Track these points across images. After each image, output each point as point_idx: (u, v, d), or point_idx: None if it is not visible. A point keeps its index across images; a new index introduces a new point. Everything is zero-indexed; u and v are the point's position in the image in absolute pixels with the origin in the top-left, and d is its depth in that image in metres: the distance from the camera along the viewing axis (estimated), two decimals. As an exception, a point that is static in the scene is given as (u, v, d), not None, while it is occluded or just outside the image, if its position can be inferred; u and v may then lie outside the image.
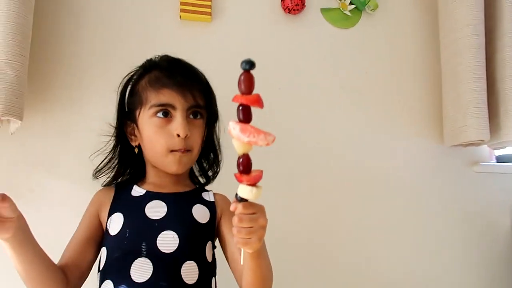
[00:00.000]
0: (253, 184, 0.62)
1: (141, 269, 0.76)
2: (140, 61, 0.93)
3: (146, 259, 0.77)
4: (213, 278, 0.85)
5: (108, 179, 0.92)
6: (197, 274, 0.79)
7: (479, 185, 1.45)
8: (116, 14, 1.20)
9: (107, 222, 0.84)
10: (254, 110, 0.60)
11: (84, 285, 0.82)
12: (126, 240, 0.80)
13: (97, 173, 0.93)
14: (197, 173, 0.99)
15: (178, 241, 0.80)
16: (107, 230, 0.83)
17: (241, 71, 0.58)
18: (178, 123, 0.82)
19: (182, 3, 1.22)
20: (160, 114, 0.83)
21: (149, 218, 0.82)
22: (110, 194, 0.88)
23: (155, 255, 0.78)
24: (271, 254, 0.77)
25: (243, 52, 1.29)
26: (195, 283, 0.78)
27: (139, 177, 0.92)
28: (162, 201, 0.85)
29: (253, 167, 0.61)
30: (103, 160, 0.92)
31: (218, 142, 0.97)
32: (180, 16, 1.23)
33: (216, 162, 0.98)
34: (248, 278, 0.74)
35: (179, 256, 0.79)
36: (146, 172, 0.91)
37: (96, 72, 1.16)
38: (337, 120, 1.35)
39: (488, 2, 1.36)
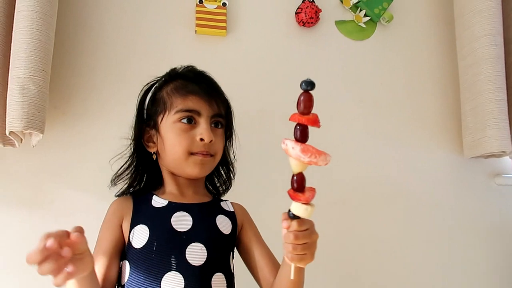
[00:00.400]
0: (308, 203, 0.62)
1: (172, 283, 0.75)
2: (156, 74, 0.95)
3: (177, 273, 0.76)
4: None
5: (125, 186, 0.92)
6: (225, 285, 0.80)
7: (501, 198, 1.41)
8: (133, 30, 1.24)
9: (129, 234, 0.81)
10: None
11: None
12: (153, 253, 0.77)
13: (115, 179, 0.92)
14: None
15: (206, 253, 0.79)
16: (129, 243, 0.80)
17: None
18: (202, 128, 0.83)
19: (198, 18, 1.24)
20: (184, 120, 0.84)
21: (176, 230, 0.80)
22: (129, 205, 0.85)
23: (185, 268, 0.76)
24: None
25: (258, 66, 1.33)
26: None
27: (155, 186, 0.92)
28: (187, 212, 0.84)
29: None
30: (122, 166, 0.93)
31: (232, 158, 0.98)
32: (196, 31, 1.25)
33: (229, 177, 0.98)
34: None
35: (208, 269, 0.78)
36: (164, 181, 0.91)
37: (114, 87, 1.19)
38: (354, 132, 1.34)
39: (506, 12, 1.34)
